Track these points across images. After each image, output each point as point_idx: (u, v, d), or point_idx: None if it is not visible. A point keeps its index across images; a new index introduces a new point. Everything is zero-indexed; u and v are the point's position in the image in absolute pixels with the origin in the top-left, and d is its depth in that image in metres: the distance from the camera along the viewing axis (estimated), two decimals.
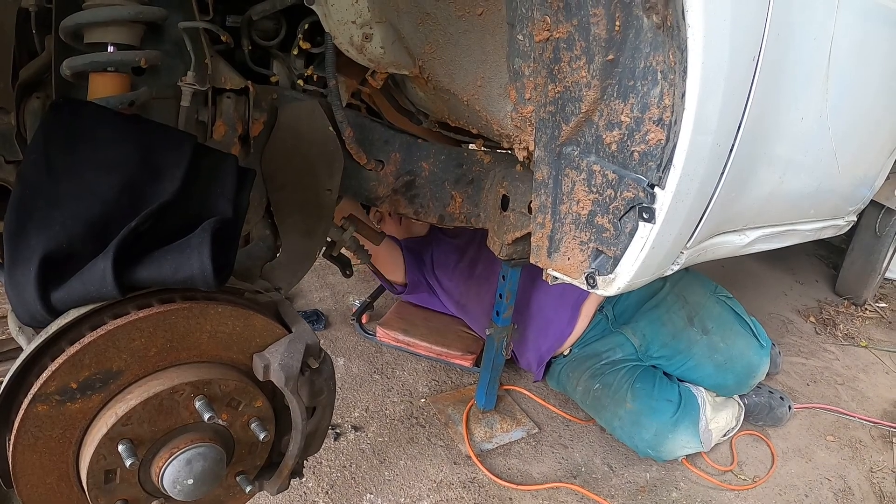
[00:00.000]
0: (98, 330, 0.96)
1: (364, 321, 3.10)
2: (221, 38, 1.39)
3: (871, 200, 2.78)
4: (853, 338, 3.73)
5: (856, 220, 2.61)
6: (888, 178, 2.59)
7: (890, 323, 4.03)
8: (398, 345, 2.91)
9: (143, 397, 1.00)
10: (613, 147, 1.18)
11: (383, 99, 2.00)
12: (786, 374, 3.22)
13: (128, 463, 0.99)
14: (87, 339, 0.95)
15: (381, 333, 2.94)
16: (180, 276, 0.98)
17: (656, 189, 1.13)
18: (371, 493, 2.11)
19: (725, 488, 2.36)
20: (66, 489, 1.05)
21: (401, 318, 3.05)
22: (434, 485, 2.18)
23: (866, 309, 4.14)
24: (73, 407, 0.98)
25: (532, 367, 2.77)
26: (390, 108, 2.01)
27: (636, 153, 1.14)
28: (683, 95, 1.05)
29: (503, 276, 2.19)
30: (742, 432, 2.67)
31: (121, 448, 1.00)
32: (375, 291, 3.39)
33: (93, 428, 1.01)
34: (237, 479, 1.19)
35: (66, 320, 0.97)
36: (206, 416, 1.03)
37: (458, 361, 2.84)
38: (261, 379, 1.12)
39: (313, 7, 1.43)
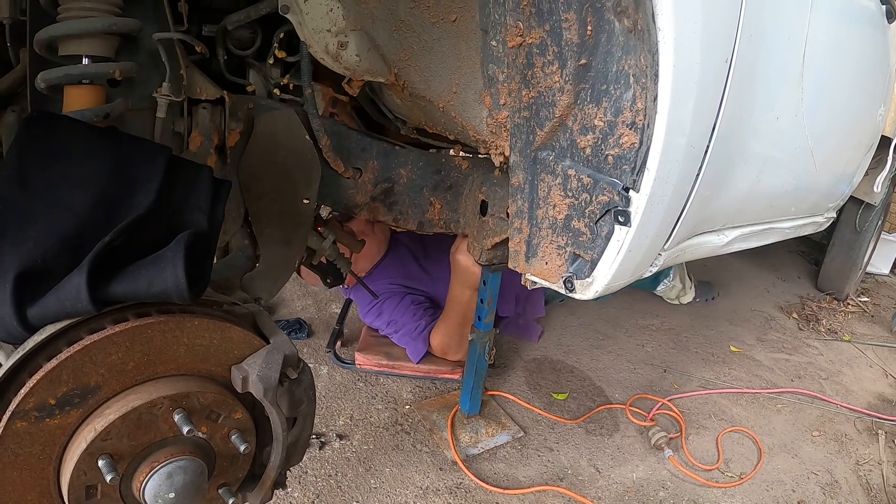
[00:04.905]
0: (75, 345, 0.95)
1: (337, 347, 2.99)
2: (196, 48, 1.39)
3: (851, 196, 2.80)
4: (836, 332, 3.77)
5: (835, 216, 2.63)
6: (866, 173, 2.62)
7: (872, 317, 4.07)
8: (381, 369, 2.82)
9: (121, 412, 0.99)
10: (588, 151, 1.18)
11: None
12: (770, 371, 3.24)
13: (108, 478, 0.98)
14: (63, 355, 0.94)
15: (362, 360, 2.82)
16: (155, 289, 0.97)
17: (631, 192, 1.13)
18: (357, 502, 2.10)
19: (712, 486, 2.36)
20: None
21: (380, 341, 2.93)
22: (420, 491, 2.18)
23: (848, 304, 4.18)
24: (52, 423, 0.98)
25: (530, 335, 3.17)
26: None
27: (610, 157, 1.15)
28: (656, 99, 1.05)
29: (484, 282, 2.19)
30: (727, 429, 2.69)
31: (101, 463, 0.99)
32: (342, 314, 3.27)
33: (72, 444, 1.00)
34: (219, 491, 1.18)
35: (43, 336, 0.96)
36: (186, 430, 1.03)
37: (447, 376, 2.80)
38: (239, 391, 1.12)
39: (288, 16, 1.43)
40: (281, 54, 1.58)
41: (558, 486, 2.25)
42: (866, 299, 4.31)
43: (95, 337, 0.96)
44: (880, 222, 4.20)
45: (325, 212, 2.30)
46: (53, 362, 0.94)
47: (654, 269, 1.41)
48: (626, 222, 1.16)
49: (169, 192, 1.11)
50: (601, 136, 1.15)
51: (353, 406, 2.58)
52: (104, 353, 0.98)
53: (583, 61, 1.13)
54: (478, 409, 2.54)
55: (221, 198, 1.19)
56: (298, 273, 2.54)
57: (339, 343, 3.02)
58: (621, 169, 1.14)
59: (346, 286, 2.99)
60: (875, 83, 2.14)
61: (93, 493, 1.03)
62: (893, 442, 2.78)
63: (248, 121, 1.53)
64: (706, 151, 1.23)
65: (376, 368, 2.81)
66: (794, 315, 3.91)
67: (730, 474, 2.45)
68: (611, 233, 1.20)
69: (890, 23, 2.09)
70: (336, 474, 2.20)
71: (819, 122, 1.75)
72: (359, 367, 2.82)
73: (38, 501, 1.03)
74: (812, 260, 4.87)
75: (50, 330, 0.97)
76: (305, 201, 1.60)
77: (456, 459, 2.31)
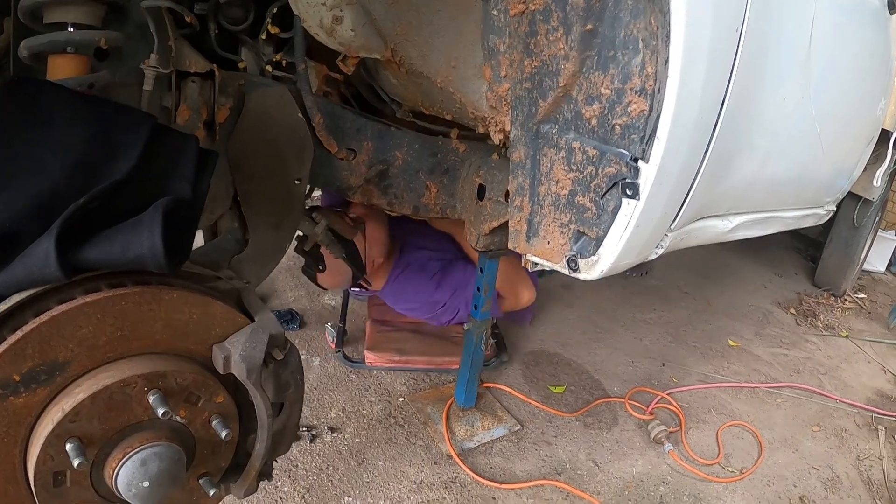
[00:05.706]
0: (41, 316, 0.89)
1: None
2: (186, 18, 1.34)
3: (849, 192, 2.80)
4: (834, 328, 3.76)
5: (835, 209, 2.61)
6: (865, 168, 2.61)
7: (869, 313, 4.07)
8: (392, 365, 2.73)
9: (91, 391, 0.93)
10: (594, 122, 1.13)
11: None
12: (768, 365, 3.21)
13: (76, 463, 0.91)
14: (29, 327, 0.88)
15: (372, 358, 2.73)
16: (129, 255, 0.91)
17: (640, 163, 1.07)
18: (349, 496, 2.05)
19: (713, 481, 2.32)
20: (14, 492, 0.98)
21: (388, 337, 2.84)
22: (414, 486, 2.12)
23: (845, 300, 4.18)
24: (17, 401, 0.91)
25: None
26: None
27: (618, 126, 1.09)
28: (667, 62, 1.00)
29: (481, 269, 2.13)
30: (727, 424, 2.66)
31: (68, 447, 0.93)
32: (343, 312, 3.12)
33: (39, 425, 0.94)
34: (200, 481, 1.11)
35: (7, 305, 0.90)
36: (161, 412, 0.96)
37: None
38: (221, 371, 1.05)
39: None
40: (274, 30, 1.52)
41: (556, 481, 2.20)
42: (863, 296, 4.31)
43: (65, 307, 0.90)
44: (878, 219, 4.20)
45: None
46: (18, 334, 0.88)
47: (660, 251, 1.36)
48: (635, 195, 1.10)
49: (151, 158, 1.05)
50: (608, 105, 1.09)
51: (346, 398, 2.53)
52: (74, 326, 0.91)
53: (589, 27, 1.07)
54: (473, 401, 2.50)
55: (207, 168, 1.13)
56: (314, 282, 2.43)
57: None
58: (629, 139, 1.08)
59: (367, 288, 2.79)
60: (877, 75, 2.12)
61: (61, 480, 0.96)
62: (893, 437, 2.76)
63: (238, 97, 1.47)
64: (716, 124, 1.17)
65: (388, 365, 2.74)
66: (792, 311, 3.90)
67: (731, 469, 2.42)
68: (618, 207, 1.13)
69: (892, 14, 2.06)
70: (327, 468, 2.15)
71: (824, 108, 1.72)
72: (370, 365, 2.74)
73: (4, 488, 0.97)
74: (808, 257, 4.87)
75: (15, 299, 0.90)
76: (297, 182, 1.54)
77: (451, 453, 2.26)
